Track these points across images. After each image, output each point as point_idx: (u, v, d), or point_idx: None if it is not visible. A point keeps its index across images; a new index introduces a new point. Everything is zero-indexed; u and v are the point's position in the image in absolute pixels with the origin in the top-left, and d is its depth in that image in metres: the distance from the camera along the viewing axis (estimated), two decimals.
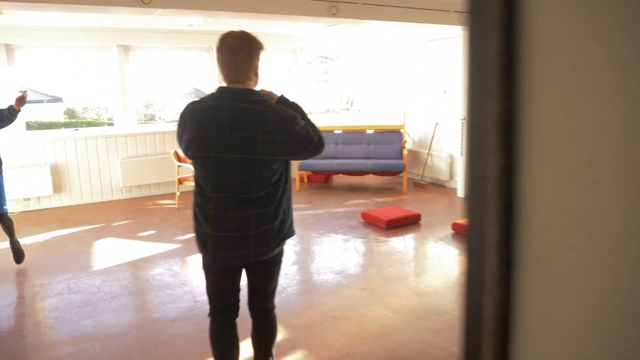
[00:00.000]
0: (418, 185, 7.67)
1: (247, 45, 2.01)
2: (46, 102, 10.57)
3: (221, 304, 2.33)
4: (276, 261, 2.26)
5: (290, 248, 4.76)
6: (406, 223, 5.59)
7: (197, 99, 2.15)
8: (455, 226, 5.28)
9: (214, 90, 2.15)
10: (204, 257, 2.22)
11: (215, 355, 2.35)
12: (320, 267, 4.51)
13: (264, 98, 2.07)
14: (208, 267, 2.26)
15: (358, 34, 8.34)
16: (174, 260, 4.60)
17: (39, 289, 3.97)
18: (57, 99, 10.72)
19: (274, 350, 2.49)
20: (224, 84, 2.08)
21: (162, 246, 5.00)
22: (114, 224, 5.84)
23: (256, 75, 2.09)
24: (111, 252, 4.86)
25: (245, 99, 2.02)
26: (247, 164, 1.99)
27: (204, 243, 2.12)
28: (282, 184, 2.12)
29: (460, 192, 6.94)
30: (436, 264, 4.63)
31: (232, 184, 2.03)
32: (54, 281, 4.10)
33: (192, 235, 2.25)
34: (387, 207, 6.03)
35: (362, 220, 5.77)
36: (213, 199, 2.05)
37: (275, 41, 7.86)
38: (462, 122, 6.74)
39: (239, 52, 2.00)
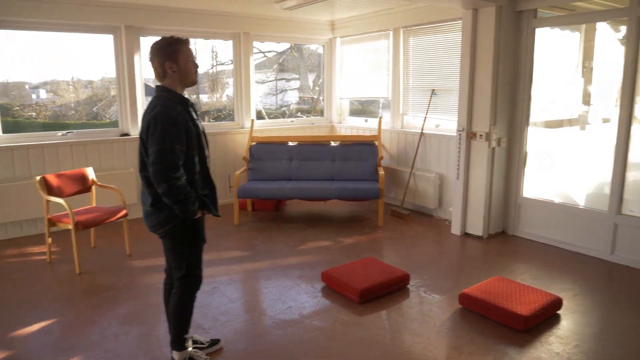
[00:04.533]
0: (397, 215, 5.85)
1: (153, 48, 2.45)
2: None
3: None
4: (167, 240, 2.57)
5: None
6: (390, 291, 3.74)
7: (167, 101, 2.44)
8: (463, 299, 3.47)
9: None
10: None
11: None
12: None
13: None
14: None
15: (322, 15, 6.44)
16: None
17: None
18: None
19: (175, 336, 2.68)
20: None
21: None
22: None
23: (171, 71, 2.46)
24: None
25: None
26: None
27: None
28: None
29: (457, 227, 5.15)
30: None
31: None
32: None
33: None
34: (360, 260, 4.16)
35: (324, 285, 3.89)
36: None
37: (217, 22, 5.90)
38: (460, 135, 4.94)
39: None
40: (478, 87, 4.81)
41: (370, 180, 5.75)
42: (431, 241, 4.99)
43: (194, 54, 2.55)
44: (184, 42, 2.47)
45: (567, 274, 4.12)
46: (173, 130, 2.32)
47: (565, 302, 3.54)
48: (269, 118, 7.23)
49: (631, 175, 4.28)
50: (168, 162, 2.30)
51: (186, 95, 2.54)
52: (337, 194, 5.44)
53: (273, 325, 3.29)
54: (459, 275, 4.15)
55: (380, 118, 6.26)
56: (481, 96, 4.79)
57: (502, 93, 4.83)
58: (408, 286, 3.86)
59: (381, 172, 5.63)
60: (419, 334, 3.17)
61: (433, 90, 5.76)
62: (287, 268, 4.27)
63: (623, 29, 4.51)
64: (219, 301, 3.64)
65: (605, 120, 5.42)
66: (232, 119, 6.69)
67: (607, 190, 4.37)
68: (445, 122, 5.73)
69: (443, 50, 5.61)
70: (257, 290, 3.91)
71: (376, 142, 6.04)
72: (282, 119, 7.31)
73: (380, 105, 6.89)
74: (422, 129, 5.86)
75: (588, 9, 4.62)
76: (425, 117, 5.81)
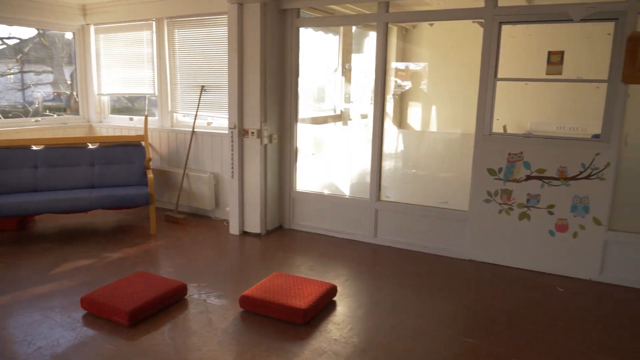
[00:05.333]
0: (172, 221, 5.43)
1: None
2: None
3: None
4: None
5: None
6: (166, 305, 3.36)
7: None
8: (244, 302, 3.33)
9: None
10: None
11: None
12: None
13: None
14: None
15: None
16: None
17: None
18: None
19: None
20: None
21: None
22: None
23: None
24: None
25: None
26: None
27: None
28: None
29: (236, 227, 5.02)
30: None
31: None
32: None
33: None
34: (129, 276, 3.66)
35: (85, 312, 3.28)
36: None
37: None
38: (232, 132, 4.81)
39: None
40: (247, 84, 4.75)
41: (139, 184, 5.20)
42: (210, 244, 4.75)
43: None
44: None
45: (338, 260, 4.37)
46: None
47: (339, 289, 3.71)
48: (5, 117, 5.94)
49: (385, 165, 4.78)
50: None
51: None
52: (99, 203, 4.75)
53: None
54: (240, 277, 4.01)
55: (147, 116, 5.72)
56: (251, 93, 4.75)
57: (271, 90, 4.87)
58: (186, 297, 3.54)
59: (150, 175, 5.13)
60: (198, 347, 2.89)
61: (203, 86, 5.51)
62: (35, 299, 3.49)
63: (372, 34, 5.01)
64: None
65: (364, 117, 6.00)
66: None
67: (368, 179, 4.80)
68: (217, 119, 5.54)
69: (211, 45, 5.40)
70: None
71: (143, 143, 5.50)
72: (23, 118, 6.09)
73: (147, 102, 6.33)
74: (194, 127, 5.56)
75: (343, 12, 5.00)
76: (196, 115, 5.53)
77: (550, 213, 4.02)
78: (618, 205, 3.84)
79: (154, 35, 5.83)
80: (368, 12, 4.67)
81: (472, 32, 4.49)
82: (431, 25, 4.63)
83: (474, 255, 4.37)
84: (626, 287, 3.82)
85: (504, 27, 4.02)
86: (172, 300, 3.41)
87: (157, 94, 5.95)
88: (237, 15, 4.63)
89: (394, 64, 5.96)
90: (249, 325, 3.17)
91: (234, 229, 5.04)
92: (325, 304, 3.43)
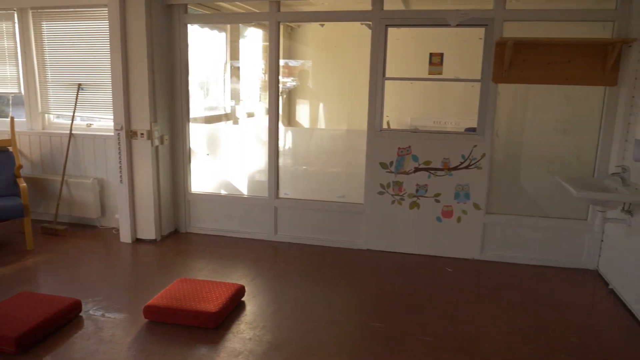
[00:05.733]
0: (51, 233, 4.92)
1: None
2: None
3: None
4: None
5: None
6: (58, 326, 3.05)
7: None
8: (148, 312, 3.15)
9: None
10: None
11: None
12: None
13: None
14: None
15: None
16: None
17: None
18: None
19: None
20: None
21: None
22: None
23: None
24: None
25: None
26: None
27: None
28: None
29: (127, 235, 4.70)
30: None
31: None
32: None
33: None
34: (9, 298, 3.25)
35: None
36: None
37: None
38: (119, 134, 4.52)
39: None
40: (134, 83, 4.48)
41: (9, 195, 4.62)
42: (99, 256, 4.39)
43: None
44: None
45: (241, 261, 4.32)
46: None
47: (246, 288, 3.67)
48: None
49: (280, 161, 4.82)
50: None
51: None
52: None
53: None
54: (139, 287, 3.77)
55: (12, 118, 5.10)
56: (138, 92, 4.48)
57: (161, 89, 4.65)
58: (81, 314, 3.25)
59: (22, 184, 4.60)
60: None
61: (80, 84, 5.06)
62: None
63: (258, 31, 5.01)
64: None
65: (250, 115, 5.98)
66: None
67: (264, 177, 4.80)
68: (99, 120, 5.13)
69: (89, 40, 4.97)
70: None
71: (10, 149, 4.90)
72: None
73: (10, 102, 5.63)
74: (71, 130, 5.09)
75: (232, 10, 4.92)
76: (74, 116, 5.06)
77: (437, 201, 4.38)
78: (493, 191, 4.31)
79: (17, 27, 5.21)
80: (258, 11, 4.66)
81: (355, 33, 4.71)
82: (322, 25, 4.77)
83: (371, 245, 4.60)
84: (503, 263, 4.31)
85: (390, 30, 4.28)
86: (66, 320, 3.11)
87: (23, 93, 5.33)
88: (119, 9, 4.33)
89: (281, 62, 6.00)
90: (158, 336, 3.01)
91: (126, 237, 4.72)
92: (234, 305, 3.37)
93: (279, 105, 4.67)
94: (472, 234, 4.36)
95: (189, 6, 4.70)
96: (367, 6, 4.26)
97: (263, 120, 5.30)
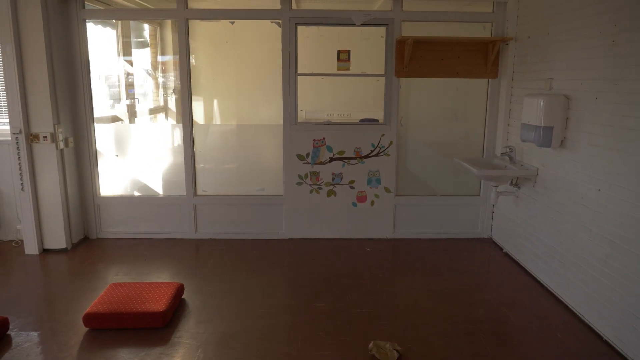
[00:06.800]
0: None
1: None
2: None
3: None
4: None
5: None
6: None
7: None
8: (90, 320, 3.04)
9: None
10: None
11: None
12: None
13: None
14: None
15: None
16: None
17: None
18: None
19: None
20: None
21: None
22: None
23: None
24: None
25: None
26: None
27: None
28: None
29: (33, 246, 4.36)
30: None
31: None
32: None
33: None
34: None
35: None
36: None
37: None
38: (17, 138, 4.19)
39: None
40: (32, 82, 4.15)
41: None
42: (5, 271, 4.03)
43: None
44: None
45: (167, 261, 4.27)
46: None
47: (185, 286, 3.68)
48: None
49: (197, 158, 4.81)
50: None
51: None
52: None
53: None
54: (66, 297, 3.57)
55: None
56: (38, 92, 4.17)
57: (62, 88, 4.37)
58: (9, 332, 3.02)
59: None
60: None
61: None
62: None
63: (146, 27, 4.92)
64: None
65: (152, 112, 5.81)
66: None
67: (180, 176, 4.76)
68: None
69: None
70: None
71: None
72: None
73: None
74: None
75: (126, 6, 4.77)
76: None
77: (352, 187, 4.74)
78: (400, 175, 4.79)
79: None
80: (165, 8, 4.59)
81: (250, 30, 4.84)
82: (232, 23, 4.81)
83: (293, 234, 4.83)
84: (413, 239, 4.82)
85: (300, 28, 4.52)
86: None
87: None
88: (9, 4, 3.98)
89: (163, 58, 5.92)
90: (103, 343, 2.93)
91: (31, 249, 4.37)
92: (178, 303, 3.38)
93: (192, 103, 4.66)
94: (385, 215, 4.80)
95: (86, 1, 4.46)
96: (277, 5, 4.44)
97: (162, 119, 5.25)
